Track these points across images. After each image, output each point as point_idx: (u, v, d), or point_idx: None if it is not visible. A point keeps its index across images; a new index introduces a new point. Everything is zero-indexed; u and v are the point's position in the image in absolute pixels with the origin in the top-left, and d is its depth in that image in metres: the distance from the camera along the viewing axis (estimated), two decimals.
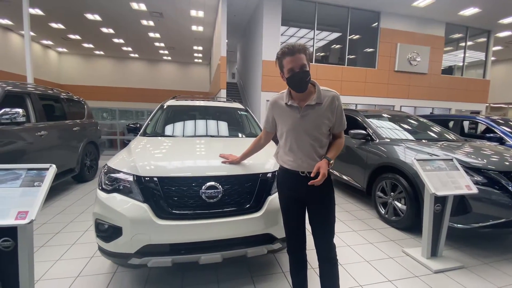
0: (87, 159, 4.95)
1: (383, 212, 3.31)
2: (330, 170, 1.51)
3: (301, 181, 1.50)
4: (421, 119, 4.45)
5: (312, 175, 1.42)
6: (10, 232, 1.48)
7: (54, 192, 4.17)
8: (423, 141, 3.50)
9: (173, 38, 14.67)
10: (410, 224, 2.95)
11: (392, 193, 3.17)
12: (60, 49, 18.39)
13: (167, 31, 13.42)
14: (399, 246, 2.68)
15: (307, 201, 1.56)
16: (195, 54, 18.60)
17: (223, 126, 3.18)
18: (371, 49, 10.98)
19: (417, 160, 2.39)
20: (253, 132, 3.23)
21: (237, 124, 3.38)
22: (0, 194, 1.48)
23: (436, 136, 3.89)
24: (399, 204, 3.09)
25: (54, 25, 12.88)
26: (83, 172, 4.72)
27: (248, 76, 12.81)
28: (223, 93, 9.06)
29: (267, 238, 1.88)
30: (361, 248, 2.62)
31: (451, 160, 2.51)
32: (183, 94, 4.18)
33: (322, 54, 11.18)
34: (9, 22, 12.76)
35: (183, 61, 21.07)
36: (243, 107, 3.67)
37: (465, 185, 2.32)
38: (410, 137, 3.71)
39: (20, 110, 2.92)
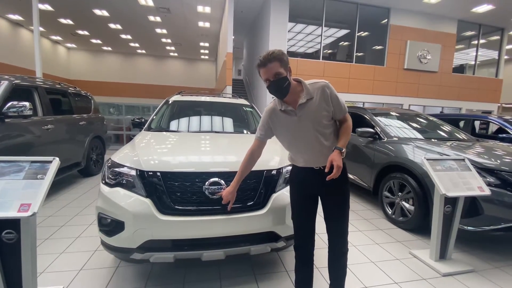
0: (93, 153, 4.98)
1: (390, 212, 3.24)
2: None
3: (315, 176, 1.50)
4: (431, 118, 4.33)
5: (326, 170, 1.39)
6: (13, 224, 1.48)
7: (60, 185, 4.22)
8: (433, 140, 3.40)
9: (180, 34, 14.68)
10: (418, 225, 2.88)
11: (399, 193, 3.09)
12: (69, 45, 18.61)
13: (174, 27, 13.43)
14: (406, 248, 2.62)
15: (322, 195, 1.57)
16: (202, 51, 18.59)
17: (228, 122, 3.14)
18: (380, 47, 10.78)
19: (427, 159, 2.32)
20: None
21: (242, 120, 3.34)
22: (3, 186, 1.47)
23: (446, 136, 3.78)
24: (407, 205, 3.01)
25: (63, 20, 13.02)
26: (89, 166, 4.75)
27: (254, 73, 12.73)
28: (228, 89, 9.03)
29: (271, 236, 1.84)
30: (367, 248, 2.57)
31: (463, 160, 2.42)
32: (189, 90, 4.15)
33: (330, 51, 11.02)
34: (20, 18, 12.94)
35: (190, 57, 21.10)
36: (248, 103, 3.63)
37: (477, 186, 2.24)
38: (419, 136, 3.62)
39: (27, 104, 2.93)
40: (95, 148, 5.07)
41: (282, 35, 9.36)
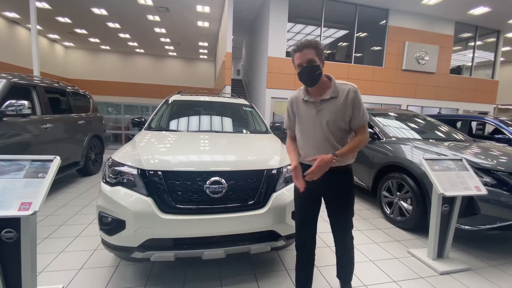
0: (92, 152, 4.97)
1: (388, 212, 3.27)
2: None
3: (321, 176, 1.49)
4: (429, 119, 4.37)
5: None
6: (13, 223, 1.47)
7: (58, 185, 4.20)
8: (431, 140, 3.43)
9: (178, 34, 14.64)
10: (415, 224, 2.91)
11: (398, 193, 3.12)
12: (66, 44, 18.47)
13: (173, 27, 13.39)
14: (404, 247, 2.64)
15: (325, 196, 1.61)
16: (201, 50, 18.55)
17: (228, 122, 3.15)
18: (378, 47, 10.82)
19: (426, 159, 2.34)
20: (258, 129, 3.20)
21: (242, 120, 3.35)
22: (4, 185, 1.47)
23: (443, 136, 3.82)
24: (405, 204, 3.04)
25: (61, 19, 12.93)
26: (87, 166, 4.74)
27: (253, 73, 12.74)
28: (228, 89, 9.02)
29: (271, 235, 1.85)
30: (365, 247, 2.59)
31: (460, 160, 2.45)
32: (188, 90, 4.16)
33: (329, 51, 11.04)
34: (17, 16, 12.83)
35: (189, 57, 21.04)
36: (248, 103, 3.64)
37: (474, 186, 2.27)
38: (418, 136, 3.65)
39: (25, 102, 2.92)
40: (94, 148, 5.05)
41: (281, 35, 9.37)
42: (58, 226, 2.78)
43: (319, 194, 1.61)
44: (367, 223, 3.18)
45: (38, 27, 13.38)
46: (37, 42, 7.30)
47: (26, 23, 13.70)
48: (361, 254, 2.46)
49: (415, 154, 3.03)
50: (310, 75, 1.43)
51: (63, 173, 3.92)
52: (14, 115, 2.94)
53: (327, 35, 10.50)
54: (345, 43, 10.91)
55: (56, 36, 16.64)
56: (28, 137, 3.27)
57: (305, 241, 1.65)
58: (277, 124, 3.48)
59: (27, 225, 1.49)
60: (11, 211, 1.40)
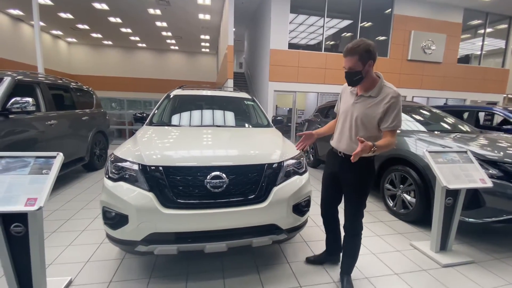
0: (97, 148, 5.03)
1: (391, 204, 3.26)
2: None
3: (336, 159, 1.78)
4: (434, 110, 4.30)
5: (353, 153, 1.49)
6: (21, 218, 1.51)
7: (65, 180, 4.28)
8: (436, 132, 3.38)
9: (180, 27, 14.53)
10: (419, 217, 2.90)
11: (401, 186, 3.10)
12: (69, 39, 18.52)
13: (174, 20, 13.28)
14: (407, 239, 2.64)
15: (340, 178, 1.80)
16: (202, 44, 18.42)
17: (230, 116, 3.15)
18: (383, 37, 10.60)
19: (429, 152, 2.31)
20: (260, 123, 3.19)
21: (244, 114, 3.34)
22: (10, 181, 1.51)
23: (449, 128, 3.76)
24: (408, 197, 3.02)
25: (63, 14, 12.93)
26: (92, 161, 4.81)
27: (255, 65, 12.64)
28: (230, 83, 8.98)
29: (272, 229, 1.87)
30: (368, 240, 2.59)
31: (465, 152, 2.41)
32: (190, 84, 4.15)
33: (332, 42, 10.86)
34: (20, 13, 12.86)
35: (190, 51, 20.92)
36: (250, 97, 3.62)
37: (479, 178, 2.24)
38: (422, 128, 3.59)
39: (30, 99, 2.95)
40: (98, 143, 5.11)
41: (283, 26, 9.24)
42: (65, 220, 2.85)
43: (338, 177, 1.81)
44: (369, 216, 3.18)
45: (41, 23, 13.43)
46: (40, 39, 7.34)
47: (29, 20, 13.74)
48: (363, 247, 2.46)
49: (419, 146, 2.99)
50: (350, 80, 1.61)
51: (69, 169, 3.99)
52: (19, 112, 2.98)
53: (330, 26, 10.31)
54: (349, 34, 10.71)
55: (59, 32, 16.68)
56: (34, 134, 3.32)
57: (326, 211, 2.01)
58: (279, 118, 3.46)
59: (34, 219, 1.53)
60: (18, 207, 1.44)
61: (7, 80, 3.02)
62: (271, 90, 9.47)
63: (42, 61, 7.42)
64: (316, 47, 10.25)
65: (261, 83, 10.86)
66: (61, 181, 4.19)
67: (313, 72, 9.57)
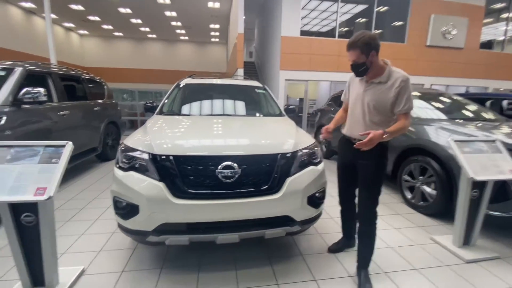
0: (109, 138, 5.07)
1: (409, 197, 3.12)
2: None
3: (351, 147, 1.71)
4: (455, 97, 4.05)
5: (360, 134, 1.61)
6: (31, 207, 1.50)
7: (79, 170, 4.35)
8: (457, 121, 3.18)
9: (189, 16, 14.35)
10: (439, 210, 2.75)
11: (420, 177, 2.95)
12: (81, 32, 18.71)
13: (183, 9, 13.11)
14: (426, 233, 2.52)
15: (356, 165, 1.78)
16: (212, 33, 18.20)
17: (241, 105, 3.06)
18: (400, 22, 10.10)
19: (455, 141, 2.15)
20: (272, 112, 3.08)
21: (255, 103, 3.24)
22: (20, 170, 1.49)
23: (472, 116, 3.53)
24: (428, 189, 2.87)
25: (74, 6, 13.00)
26: (105, 151, 4.86)
27: (266, 54, 12.38)
28: (240, 72, 8.84)
29: (286, 220, 1.80)
30: (385, 233, 2.49)
31: (494, 141, 2.24)
32: (200, 74, 4.06)
33: (346, 29, 10.44)
34: (32, 5, 13.02)
35: (200, 41, 20.74)
36: (261, 85, 3.50)
37: (508, 169, 2.07)
38: (443, 116, 3.39)
39: (41, 89, 2.95)
40: (111, 134, 5.15)
41: (295, 12, 8.92)
42: (79, 209, 2.88)
43: (353, 164, 1.79)
44: (386, 208, 3.06)
45: (53, 15, 13.57)
46: (52, 30, 7.39)
47: (42, 13, 13.88)
48: (380, 241, 2.36)
49: (441, 135, 2.82)
50: (355, 71, 1.66)
51: (83, 159, 4.04)
52: (31, 103, 2.98)
53: (345, 11, 9.88)
54: (364, 19, 10.25)
55: (71, 25, 16.85)
56: (47, 124, 3.34)
57: (345, 199, 2.05)
58: (291, 107, 3.34)
59: (45, 209, 1.51)
60: (27, 196, 1.42)
61: (18, 71, 3.02)
62: (282, 79, 9.26)
63: (55, 53, 7.50)
64: (330, 33, 9.88)
65: (271, 72, 10.65)
66: (75, 171, 4.25)
67: (326, 59, 9.26)
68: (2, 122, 2.61)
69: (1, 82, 2.88)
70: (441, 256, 2.17)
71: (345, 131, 1.86)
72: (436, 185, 2.74)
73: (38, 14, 14.31)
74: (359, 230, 1.82)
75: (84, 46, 19.63)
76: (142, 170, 1.74)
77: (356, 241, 1.91)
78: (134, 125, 9.05)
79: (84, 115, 4.20)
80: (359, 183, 1.79)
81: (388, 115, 1.67)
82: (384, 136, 1.53)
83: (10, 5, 12.72)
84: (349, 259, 2.07)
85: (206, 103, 3.06)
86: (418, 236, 2.46)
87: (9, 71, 2.99)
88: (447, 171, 2.62)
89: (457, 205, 2.20)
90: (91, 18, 14.99)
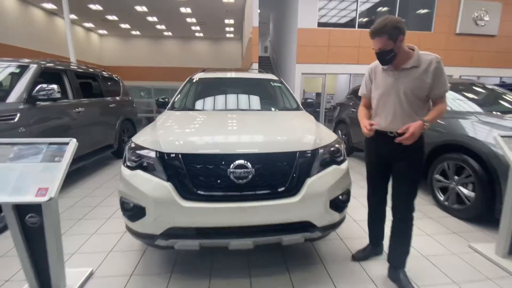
0: (125, 135, 5.09)
1: (442, 198, 2.82)
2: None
3: (388, 141, 1.60)
4: (491, 87, 3.64)
5: (399, 131, 1.50)
6: (35, 208, 1.43)
7: (95, 167, 4.38)
8: (495, 113, 2.82)
9: (204, 12, 14.29)
10: (478, 214, 2.45)
11: (456, 177, 2.64)
12: (101, 32, 19.23)
13: (198, 5, 13.06)
14: (464, 240, 2.24)
15: (392, 160, 1.66)
16: (227, 29, 18.07)
17: (255, 99, 2.88)
18: (425, 10, 9.43)
19: (502, 136, 1.87)
20: (288, 106, 2.89)
21: (271, 97, 3.06)
22: (22, 169, 1.41)
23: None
24: (465, 190, 2.57)
25: (92, 6, 13.32)
26: (121, 148, 4.87)
27: (281, 48, 12.08)
28: (255, 66, 8.65)
29: (305, 226, 1.62)
30: (416, 240, 2.22)
31: None
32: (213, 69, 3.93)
33: (367, 19, 9.91)
34: (53, 7, 13.48)
35: (215, 37, 20.70)
36: (277, 78, 3.31)
37: None
38: (478, 109, 3.03)
39: (55, 86, 2.93)
40: (126, 131, 5.17)
41: (312, 3, 8.56)
42: (92, 207, 2.86)
43: (388, 160, 1.67)
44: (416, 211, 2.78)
45: (73, 16, 14.00)
46: (71, 31, 7.56)
47: (63, 14, 14.33)
48: (411, 248, 2.12)
49: (479, 130, 2.51)
50: (382, 59, 1.54)
51: (99, 155, 4.05)
52: (45, 100, 2.98)
53: (364, 0, 9.37)
54: (385, 8, 9.68)
55: (91, 25, 17.35)
56: (62, 121, 3.34)
57: (375, 201, 1.87)
58: (309, 100, 3.12)
59: (49, 210, 1.44)
60: (28, 197, 1.34)
61: (33, 68, 3.02)
62: (298, 73, 8.97)
63: (74, 52, 7.67)
64: (349, 24, 9.42)
65: (287, 66, 10.36)
66: (91, 168, 4.29)
67: (345, 51, 8.85)
68: (16, 119, 2.60)
69: (16, 79, 2.88)
70: (482, 267, 1.90)
71: (379, 125, 1.67)
72: (474, 186, 2.44)
73: (60, 15, 14.80)
74: (394, 228, 1.71)
75: (104, 46, 20.19)
76: (149, 169, 1.62)
77: (385, 247, 1.73)
78: (150, 122, 9.16)
79: (100, 112, 4.21)
80: (398, 179, 1.66)
81: (425, 101, 1.57)
82: (425, 126, 1.46)
83: (32, 6, 13.23)
84: (375, 268, 1.86)
85: (219, 97, 2.92)
86: (455, 244, 2.19)
87: (24, 68, 3.00)
88: (488, 171, 2.32)
89: (503, 209, 1.92)
90: (109, 17, 15.33)
